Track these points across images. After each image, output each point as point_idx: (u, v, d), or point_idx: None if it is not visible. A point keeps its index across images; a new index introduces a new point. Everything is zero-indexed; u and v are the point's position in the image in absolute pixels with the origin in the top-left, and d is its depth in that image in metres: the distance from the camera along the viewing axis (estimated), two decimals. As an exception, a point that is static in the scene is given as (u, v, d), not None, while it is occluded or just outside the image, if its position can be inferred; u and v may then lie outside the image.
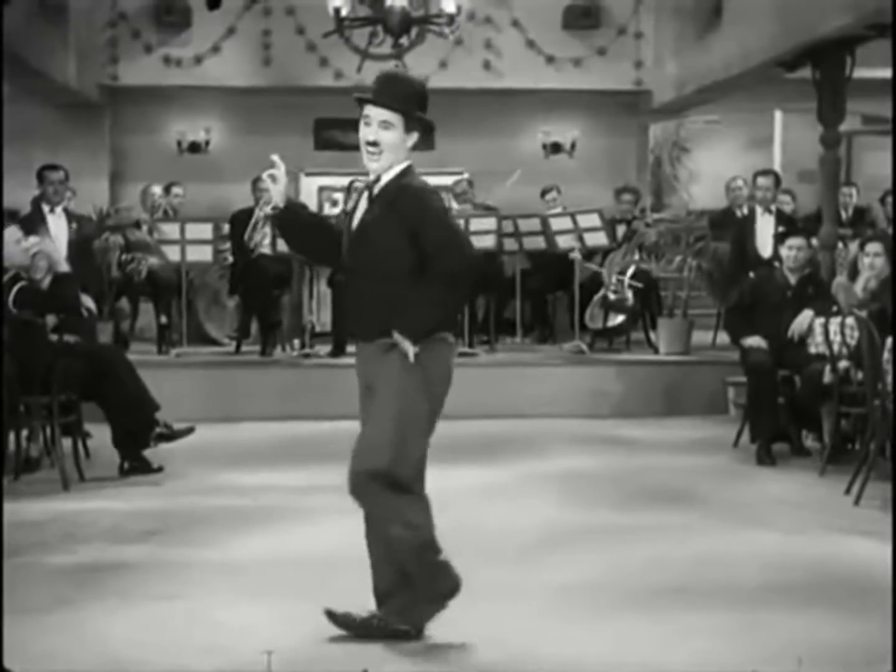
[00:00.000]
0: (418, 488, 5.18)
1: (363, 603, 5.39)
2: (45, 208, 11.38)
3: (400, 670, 4.88)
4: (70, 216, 11.66)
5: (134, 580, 6.15)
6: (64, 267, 8.89)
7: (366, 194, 5.14)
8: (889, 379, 7.93)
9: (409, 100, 5.05)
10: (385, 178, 5.06)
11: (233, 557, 6.59)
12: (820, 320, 9.16)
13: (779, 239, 10.32)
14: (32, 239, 9.00)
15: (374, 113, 4.99)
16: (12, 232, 8.72)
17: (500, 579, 6.02)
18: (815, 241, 11.45)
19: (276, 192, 5.18)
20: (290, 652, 4.92)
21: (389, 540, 5.09)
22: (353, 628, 5.21)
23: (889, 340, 8.01)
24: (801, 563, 6.45)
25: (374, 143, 4.99)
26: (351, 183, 13.78)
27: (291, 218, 5.25)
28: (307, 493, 8.24)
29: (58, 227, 11.32)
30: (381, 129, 4.99)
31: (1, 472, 6.83)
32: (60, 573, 6.27)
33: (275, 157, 5.24)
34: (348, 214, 5.30)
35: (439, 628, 5.21)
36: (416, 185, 5.06)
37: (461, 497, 7.95)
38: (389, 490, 5.01)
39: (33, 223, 10.58)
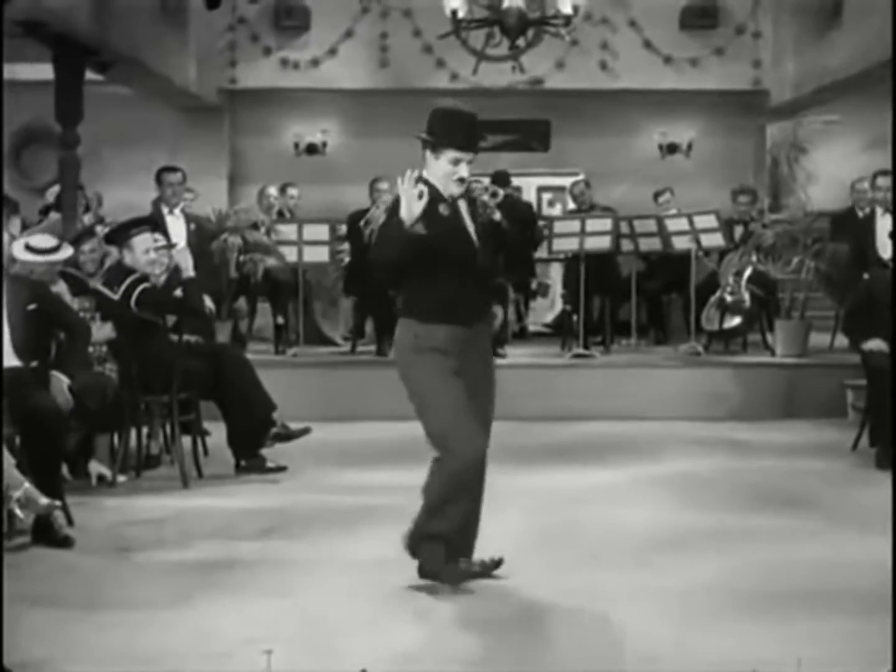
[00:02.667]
0: None
1: (482, 598, 5.43)
2: (164, 210, 11.52)
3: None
4: (188, 217, 11.79)
5: (249, 577, 6.22)
6: (191, 273, 9.04)
7: (463, 204, 5.94)
8: None
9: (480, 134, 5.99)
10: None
11: (347, 556, 6.64)
12: (941, 322, 9.03)
13: (892, 238, 10.16)
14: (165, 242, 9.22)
15: (463, 156, 5.83)
16: (145, 240, 8.87)
17: (614, 581, 6.01)
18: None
19: (410, 219, 5.67)
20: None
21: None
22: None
23: None
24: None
25: (464, 180, 5.85)
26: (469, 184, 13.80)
27: (411, 246, 5.74)
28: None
29: (176, 228, 11.43)
30: (467, 166, 5.87)
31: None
32: (178, 569, 6.36)
33: (411, 172, 5.75)
34: (453, 221, 5.90)
35: (551, 625, 5.25)
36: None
37: (575, 498, 7.95)
38: None
39: (155, 226, 10.74)
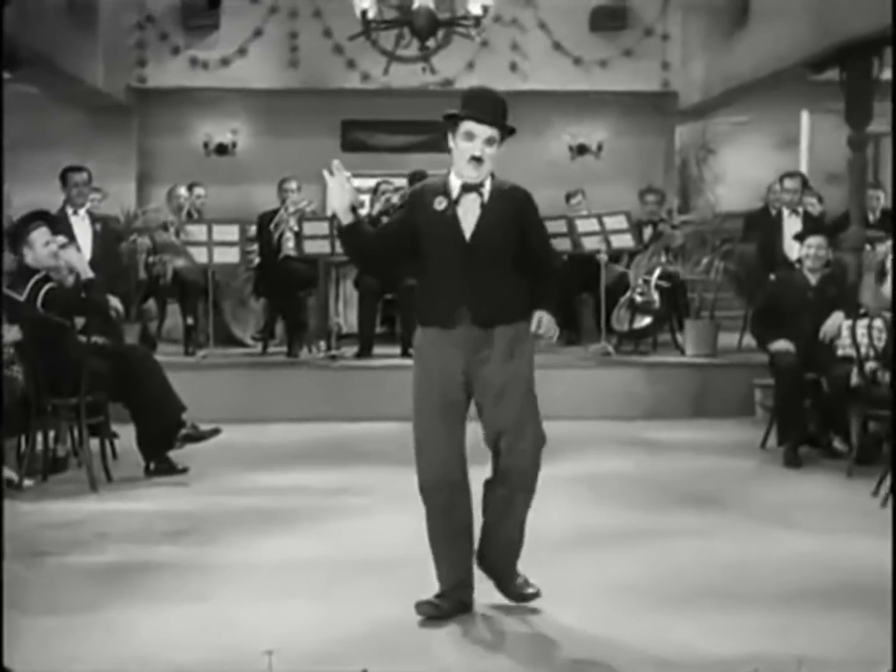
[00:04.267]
0: None
1: (391, 601, 5.43)
2: (69, 210, 11.40)
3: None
4: (93, 218, 11.69)
5: (160, 581, 6.17)
6: (89, 273, 8.90)
7: (471, 196, 5.46)
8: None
9: (505, 116, 5.50)
10: (488, 184, 5.51)
11: (259, 558, 6.60)
12: (847, 322, 9.14)
13: (798, 239, 10.28)
14: (60, 241, 9.01)
15: (479, 130, 5.39)
16: (42, 233, 8.72)
17: (532, 580, 6.00)
18: (841, 242, 11.47)
19: (341, 209, 5.41)
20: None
21: (524, 517, 5.66)
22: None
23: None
24: (829, 565, 6.44)
25: (479, 159, 5.39)
26: (378, 185, 13.81)
27: (355, 234, 5.49)
28: (334, 493, 8.26)
29: (82, 229, 11.33)
30: (485, 146, 5.40)
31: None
32: (88, 574, 6.29)
33: (336, 162, 5.45)
34: (444, 214, 5.46)
35: (475, 626, 5.31)
36: (521, 188, 5.63)
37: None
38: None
39: (59, 226, 10.60)
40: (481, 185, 5.48)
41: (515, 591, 5.67)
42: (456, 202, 5.46)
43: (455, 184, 5.49)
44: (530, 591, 5.68)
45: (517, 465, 5.49)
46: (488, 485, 5.62)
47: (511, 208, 5.50)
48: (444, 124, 5.47)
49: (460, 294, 5.40)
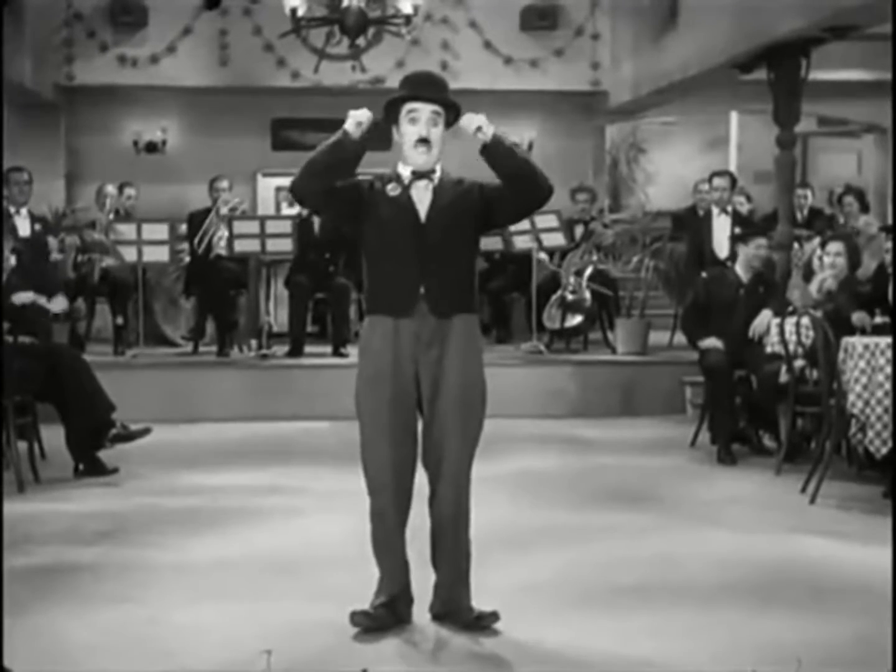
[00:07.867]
0: None
1: (323, 602, 5.41)
2: (11, 209, 11.36)
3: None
4: (34, 217, 11.66)
5: (91, 582, 6.11)
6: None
7: (422, 183, 5.28)
8: (844, 378, 7.98)
9: (448, 94, 5.29)
10: (439, 170, 5.32)
11: (190, 559, 6.56)
12: (775, 320, 9.21)
13: (740, 239, 10.35)
14: None
15: (422, 108, 5.20)
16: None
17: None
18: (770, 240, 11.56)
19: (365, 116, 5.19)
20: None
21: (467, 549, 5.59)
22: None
23: (844, 340, 8.06)
24: (756, 563, 6.48)
25: (425, 140, 5.20)
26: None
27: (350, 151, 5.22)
28: (265, 493, 8.22)
29: (23, 228, 11.31)
30: (431, 126, 5.21)
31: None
32: (16, 576, 6.22)
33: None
34: (398, 199, 5.25)
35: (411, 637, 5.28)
36: (473, 179, 5.38)
37: (416, 497, 7.95)
38: None
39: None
40: (432, 171, 5.29)
41: (471, 616, 5.33)
42: (408, 188, 5.26)
43: (405, 173, 5.29)
44: (486, 612, 5.34)
45: (450, 511, 5.42)
46: (434, 532, 5.46)
47: (464, 193, 5.31)
48: (387, 119, 5.29)
49: (415, 279, 5.18)
